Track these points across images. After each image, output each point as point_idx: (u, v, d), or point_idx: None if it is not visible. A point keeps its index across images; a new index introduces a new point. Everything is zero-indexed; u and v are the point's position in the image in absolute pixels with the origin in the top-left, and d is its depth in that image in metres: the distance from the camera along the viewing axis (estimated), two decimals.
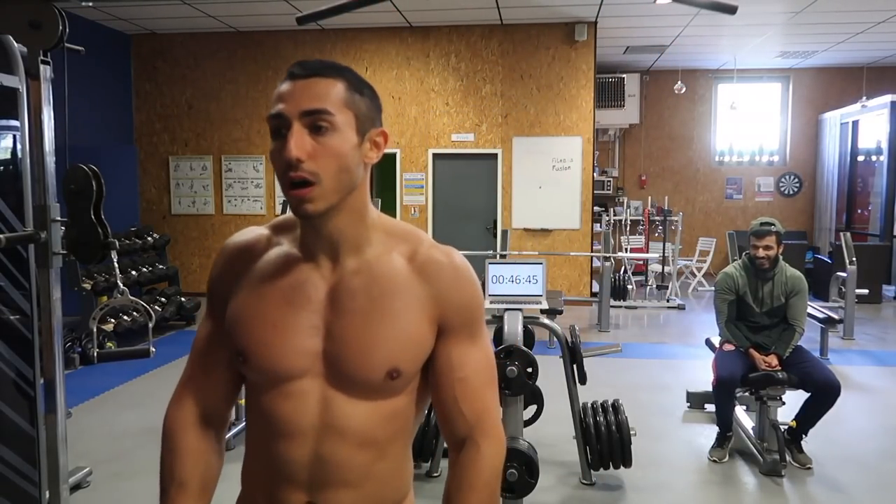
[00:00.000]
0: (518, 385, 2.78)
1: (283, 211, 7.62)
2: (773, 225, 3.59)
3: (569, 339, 3.24)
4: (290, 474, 1.02)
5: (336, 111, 0.96)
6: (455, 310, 1.05)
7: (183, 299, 7.00)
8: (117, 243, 2.31)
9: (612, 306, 7.14)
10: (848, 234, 6.69)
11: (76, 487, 3.17)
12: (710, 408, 4.16)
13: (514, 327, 2.94)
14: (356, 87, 1.00)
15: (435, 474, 3.37)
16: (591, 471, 3.28)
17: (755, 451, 3.64)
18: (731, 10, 2.24)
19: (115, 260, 2.46)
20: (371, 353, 0.99)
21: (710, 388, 3.75)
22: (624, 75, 10.00)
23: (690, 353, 5.90)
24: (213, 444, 1.13)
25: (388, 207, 8.54)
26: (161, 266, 7.04)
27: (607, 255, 6.88)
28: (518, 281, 3.21)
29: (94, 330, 2.94)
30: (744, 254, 3.79)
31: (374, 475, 1.04)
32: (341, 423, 1.01)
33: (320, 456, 1.01)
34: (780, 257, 3.64)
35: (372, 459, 1.04)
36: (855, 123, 9.77)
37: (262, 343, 1.00)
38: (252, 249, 1.07)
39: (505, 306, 3.11)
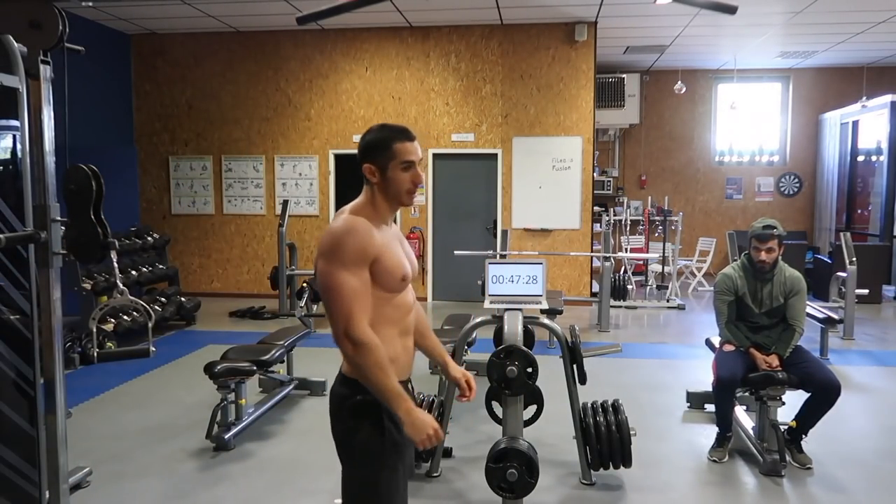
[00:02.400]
0: (518, 385, 2.78)
1: (284, 210, 7.63)
2: (776, 228, 3.58)
3: (569, 339, 3.24)
4: None
5: None
6: None
7: (183, 299, 7.00)
8: (117, 243, 2.31)
9: (612, 306, 7.14)
10: (848, 234, 6.69)
11: (76, 487, 3.17)
12: (710, 408, 4.16)
13: (514, 327, 2.94)
14: None
15: (435, 474, 3.37)
16: (591, 471, 3.28)
17: (755, 451, 3.64)
18: (731, 10, 2.25)
19: (114, 260, 2.45)
20: None
21: (710, 388, 3.75)
22: (624, 75, 10.00)
23: (690, 353, 5.90)
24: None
25: None
26: (161, 266, 7.04)
27: (607, 255, 6.88)
28: (518, 281, 3.20)
29: (94, 330, 2.94)
30: (743, 254, 3.78)
31: None
32: None
33: None
34: (780, 258, 3.64)
35: None
36: (855, 123, 9.77)
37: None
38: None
39: (505, 306, 3.11)
